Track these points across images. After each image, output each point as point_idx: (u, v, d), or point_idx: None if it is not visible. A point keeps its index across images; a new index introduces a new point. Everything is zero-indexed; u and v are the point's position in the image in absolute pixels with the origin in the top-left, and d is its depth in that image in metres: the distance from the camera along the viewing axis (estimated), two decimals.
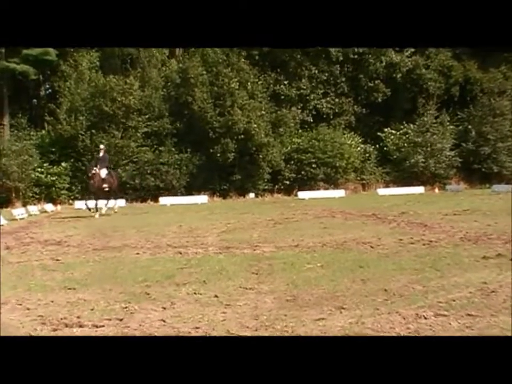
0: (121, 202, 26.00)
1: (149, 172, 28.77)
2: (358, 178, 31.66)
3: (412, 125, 31.76)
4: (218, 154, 28.71)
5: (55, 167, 28.74)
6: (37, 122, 33.34)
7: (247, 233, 10.40)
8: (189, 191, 28.93)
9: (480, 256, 6.45)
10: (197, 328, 3.94)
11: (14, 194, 27.71)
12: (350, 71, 32.83)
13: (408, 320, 3.89)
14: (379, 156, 32.32)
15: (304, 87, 31.95)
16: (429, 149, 30.78)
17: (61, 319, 4.36)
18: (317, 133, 30.97)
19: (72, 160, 28.67)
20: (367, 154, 32.05)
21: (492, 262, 6.10)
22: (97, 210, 17.82)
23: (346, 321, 3.94)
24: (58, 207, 25.08)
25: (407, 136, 31.70)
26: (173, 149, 29.53)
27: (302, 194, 27.28)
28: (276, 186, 30.30)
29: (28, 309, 4.81)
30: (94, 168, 18.16)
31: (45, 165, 28.80)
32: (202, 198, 27.21)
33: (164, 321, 4.18)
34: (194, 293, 5.16)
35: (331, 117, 32.54)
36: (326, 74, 32.38)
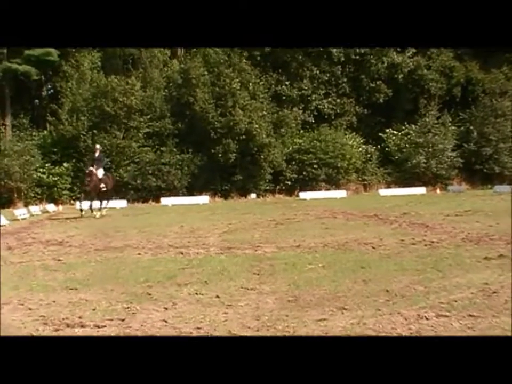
0: (122, 203, 26.08)
1: (150, 172, 28.77)
2: (360, 178, 31.63)
3: (413, 126, 31.72)
4: (220, 155, 28.71)
5: (56, 168, 28.75)
6: (39, 122, 33.39)
7: (249, 234, 10.40)
8: (190, 191, 28.93)
9: (482, 257, 6.44)
10: (199, 328, 3.94)
11: (15, 195, 27.73)
12: (352, 71, 32.81)
13: (409, 321, 3.89)
14: (381, 157, 32.29)
15: (306, 88, 31.94)
16: (430, 149, 30.75)
17: (63, 319, 4.36)
18: (318, 133, 30.95)
19: (74, 160, 28.67)
20: (369, 155, 32.02)
21: (493, 263, 6.10)
22: (92, 212, 17.69)
23: (347, 322, 3.94)
24: (60, 207, 25.10)
25: (408, 136, 31.67)
26: (175, 150, 29.54)
27: (304, 195, 27.26)
28: (278, 186, 30.28)
29: (30, 309, 4.81)
30: (90, 168, 18.07)
31: (46, 165, 28.81)
32: (203, 199, 27.21)
33: (166, 321, 4.19)
34: (196, 293, 5.17)
35: (332, 117, 32.52)
36: (328, 74, 32.36)
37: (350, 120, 32.81)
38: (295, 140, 31.14)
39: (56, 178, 28.51)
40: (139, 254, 8.20)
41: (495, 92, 32.15)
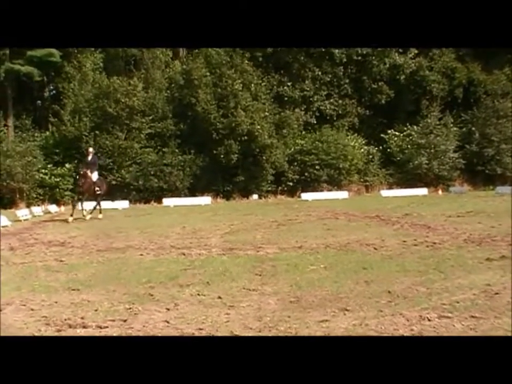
0: (124, 203, 26.10)
1: (152, 173, 28.78)
2: (362, 179, 31.58)
3: (415, 127, 31.67)
4: (222, 156, 28.71)
5: (59, 168, 28.75)
6: (41, 123, 33.42)
7: (251, 235, 10.40)
8: (192, 192, 28.93)
9: (483, 258, 6.44)
10: (201, 329, 3.94)
11: (18, 196, 27.75)
12: (354, 72, 32.78)
13: (411, 322, 3.89)
14: (382, 158, 32.24)
15: (308, 89, 31.93)
16: (432, 150, 30.70)
17: (65, 319, 4.37)
18: (320, 134, 30.93)
19: (76, 161, 28.63)
20: (371, 156, 31.98)
21: (495, 264, 6.09)
22: (84, 216, 17.56)
23: (350, 323, 3.93)
24: (62, 208, 25.12)
25: (410, 137, 31.63)
26: (177, 150, 29.53)
27: (306, 196, 27.24)
28: (279, 187, 30.25)
29: (32, 309, 4.82)
30: (84, 169, 17.92)
31: (48, 166, 28.82)
32: (205, 199, 27.21)
33: (168, 322, 4.19)
34: (198, 294, 5.17)
35: (334, 118, 32.50)
36: (330, 75, 32.34)
37: (352, 121, 32.78)
38: (297, 141, 31.12)
39: (58, 179, 28.51)
40: (141, 254, 8.21)
41: (497, 93, 32.09)
